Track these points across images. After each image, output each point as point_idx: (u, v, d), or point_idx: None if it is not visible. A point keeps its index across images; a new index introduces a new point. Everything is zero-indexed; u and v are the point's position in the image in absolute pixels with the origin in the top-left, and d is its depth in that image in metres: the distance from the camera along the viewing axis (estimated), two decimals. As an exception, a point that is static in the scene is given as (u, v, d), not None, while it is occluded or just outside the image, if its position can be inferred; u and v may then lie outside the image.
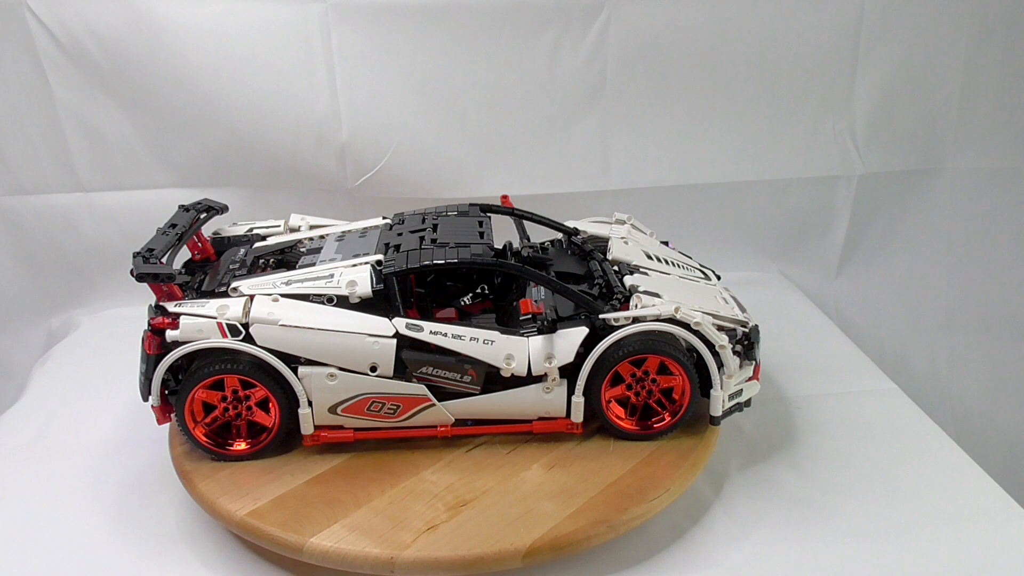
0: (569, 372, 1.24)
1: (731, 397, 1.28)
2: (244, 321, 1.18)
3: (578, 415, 1.26)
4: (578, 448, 1.27)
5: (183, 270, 1.38)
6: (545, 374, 1.22)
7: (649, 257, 1.46)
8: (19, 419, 1.55)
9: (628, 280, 1.33)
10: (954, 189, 2.14)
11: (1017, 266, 2.15)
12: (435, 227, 1.36)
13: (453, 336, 1.21)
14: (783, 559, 1.16)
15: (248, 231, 1.52)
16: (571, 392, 1.25)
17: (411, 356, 1.20)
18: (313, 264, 1.30)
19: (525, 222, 1.55)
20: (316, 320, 1.19)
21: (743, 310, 1.36)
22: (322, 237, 1.45)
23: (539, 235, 1.57)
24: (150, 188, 1.94)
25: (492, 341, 1.22)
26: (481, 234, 1.33)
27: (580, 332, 1.23)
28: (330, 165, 1.93)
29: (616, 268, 1.40)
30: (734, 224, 2.14)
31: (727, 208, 2.11)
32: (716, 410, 1.27)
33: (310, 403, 1.22)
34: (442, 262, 1.24)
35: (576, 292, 1.27)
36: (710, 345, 1.23)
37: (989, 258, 2.17)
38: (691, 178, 2.06)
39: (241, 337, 1.18)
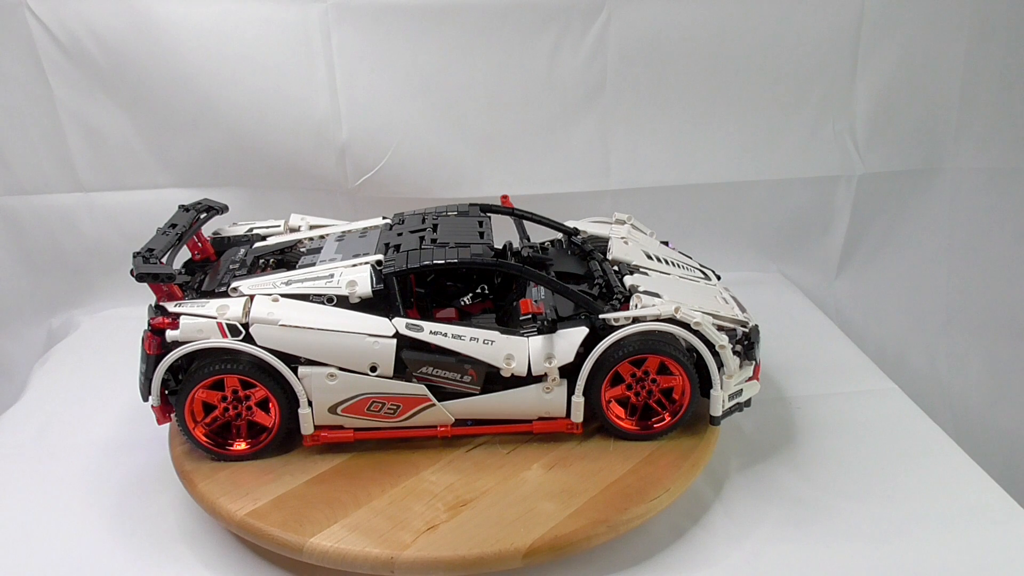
0: (569, 372, 1.24)
1: (731, 397, 1.28)
2: (244, 321, 1.18)
3: (578, 415, 1.26)
4: (578, 448, 1.27)
5: (183, 270, 1.38)
6: (545, 374, 1.22)
7: (649, 257, 1.46)
8: (19, 419, 1.55)
9: (628, 280, 1.33)
10: (954, 189, 2.14)
11: (1017, 266, 2.15)
12: (435, 227, 1.36)
13: (453, 336, 1.21)
14: (783, 559, 1.16)
15: (248, 231, 1.52)
16: (571, 392, 1.25)
17: (411, 356, 1.20)
18: (313, 264, 1.30)
19: (525, 222, 1.55)
20: (316, 320, 1.19)
21: (743, 310, 1.36)
22: (322, 237, 1.45)
23: (539, 235, 1.57)
24: (150, 188, 1.94)
25: (492, 341, 1.22)
26: (481, 234, 1.33)
27: (580, 332, 1.23)
28: (330, 165, 1.93)
29: (616, 268, 1.40)
30: (734, 224, 2.14)
31: (727, 208, 2.11)
32: (716, 410, 1.27)
33: (310, 403, 1.22)
34: (442, 262, 1.24)
35: (576, 292, 1.27)
36: (710, 345, 1.23)
37: (989, 258, 2.17)
38: (691, 178, 2.07)
39: (241, 337, 1.18)
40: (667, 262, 1.47)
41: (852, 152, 2.09)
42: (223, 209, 1.51)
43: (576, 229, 1.56)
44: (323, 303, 1.22)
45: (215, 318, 1.18)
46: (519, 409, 1.26)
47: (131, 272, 1.20)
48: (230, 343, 1.18)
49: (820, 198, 2.13)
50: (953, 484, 1.32)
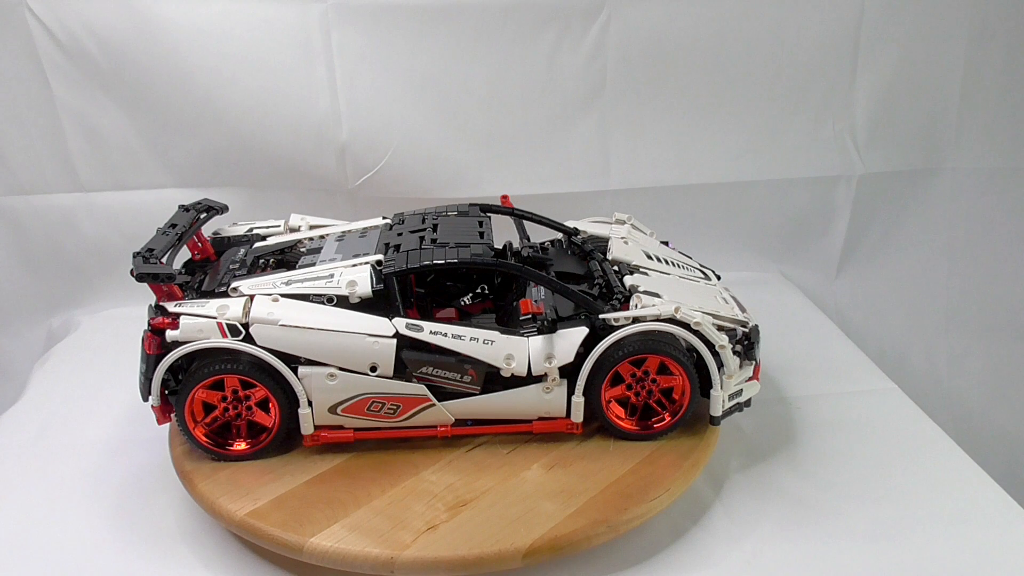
0: (569, 372, 1.24)
1: (731, 397, 1.28)
2: (244, 321, 1.18)
3: (578, 415, 1.26)
4: (578, 448, 1.27)
5: (183, 270, 1.38)
6: (545, 374, 1.22)
7: (649, 257, 1.46)
8: (19, 419, 1.55)
9: (628, 280, 1.33)
10: (954, 189, 2.14)
11: (1017, 266, 2.15)
12: (435, 227, 1.36)
13: (453, 336, 1.21)
14: (783, 559, 1.16)
15: (248, 231, 1.52)
16: (571, 392, 1.25)
17: (411, 356, 1.20)
18: (313, 264, 1.30)
19: (525, 222, 1.55)
20: (316, 320, 1.19)
21: (743, 310, 1.36)
22: (322, 237, 1.45)
23: (539, 235, 1.57)
24: (150, 188, 1.94)
25: (492, 341, 1.22)
26: (481, 234, 1.33)
27: (580, 332, 1.23)
28: (330, 165, 1.93)
29: (616, 268, 1.40)
30: (734, 224, 2.14)
31: (727, 208, 2.11)
32: (716, 410, 1.27)
33: (310, 403, 1.22)
34: (442, 262, 1.24)
35: (576, 292, 1.27)
36: (710, 345, 1.23)
37: (989, 258, 2.17)
38: (691, 178, 2.07)
39: (241, 337, 1.18)
40: (667, 262, 1.47)
41: (852, 152, 2.09)
42: (223, 209, 1.51)
43: (576, 229, 1.56)
44: (323, 303, 1.22)
45: (215, 318, 1.18)
46: (519, 409, 1.26)
47: (131, 272, 1.20)
48: (230, 343, 1.18)
49: (820, 198, 2.13)
50: (953, 484, 1.32)
